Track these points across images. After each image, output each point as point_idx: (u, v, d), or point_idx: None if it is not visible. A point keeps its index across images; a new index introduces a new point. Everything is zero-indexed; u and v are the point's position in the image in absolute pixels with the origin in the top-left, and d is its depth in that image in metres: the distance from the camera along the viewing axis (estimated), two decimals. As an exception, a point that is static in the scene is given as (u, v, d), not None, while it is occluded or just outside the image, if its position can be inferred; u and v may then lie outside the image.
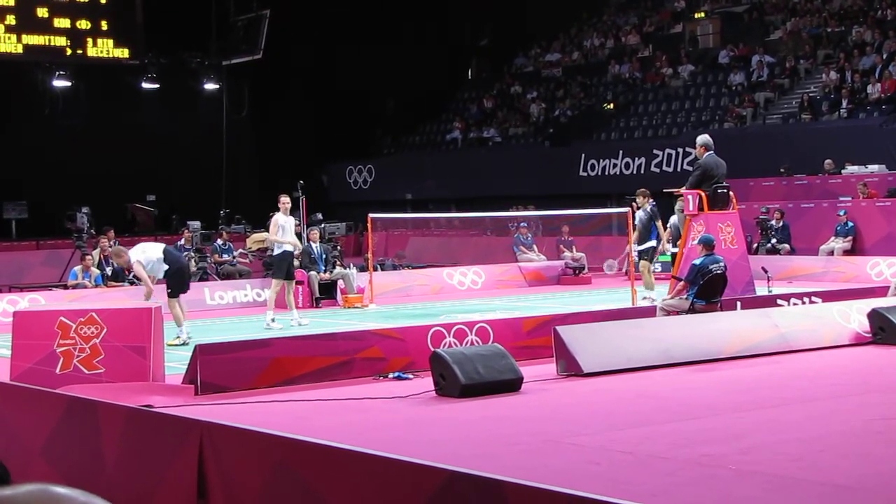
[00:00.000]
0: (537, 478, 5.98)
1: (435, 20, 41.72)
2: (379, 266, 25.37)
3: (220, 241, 25.70)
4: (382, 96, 43.63)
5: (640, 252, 20.18)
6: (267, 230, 19.73)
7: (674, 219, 20.12)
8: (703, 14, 38.94)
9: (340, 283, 21.91)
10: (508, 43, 44.05)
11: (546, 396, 11.17)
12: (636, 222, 20.13)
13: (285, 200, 18.60)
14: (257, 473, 6.58)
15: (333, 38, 40.07)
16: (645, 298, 18.81)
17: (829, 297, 16.04)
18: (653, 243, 20.37)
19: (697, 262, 14.65)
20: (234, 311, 21.35)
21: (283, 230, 18.30)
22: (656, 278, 20.51)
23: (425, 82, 42.56)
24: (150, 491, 7.18)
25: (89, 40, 34.09)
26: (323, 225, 24.35)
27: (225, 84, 38.23)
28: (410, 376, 12.26)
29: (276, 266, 18.61)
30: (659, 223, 20.44)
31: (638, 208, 20.38)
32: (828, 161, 28.28)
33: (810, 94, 31.56)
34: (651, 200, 20.64)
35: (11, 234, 35.31)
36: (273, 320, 17.93)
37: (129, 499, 7.34)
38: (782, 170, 29.05)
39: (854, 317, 14.15)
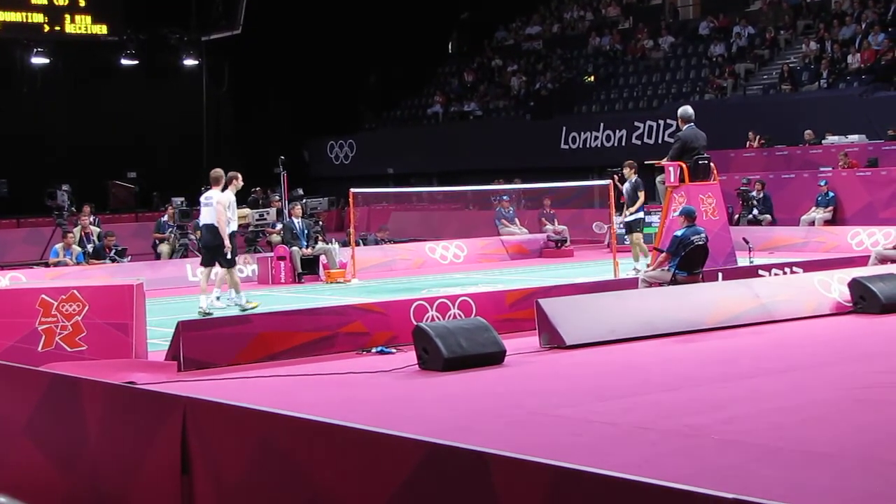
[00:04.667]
0: (521, 450, 5.99)
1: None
2: (361, 241, 25.34)
3: (201, 218, 25.65)
4: (363, 71, 43.48)
5: (628, 223, 20.20)
6: (250, 207, 19.43)
7: (626, 187, 20.20)
8: (683, -15, 38.88)
9: (322, 258, 21.88)
10: (488, 16, 43.92)
11: (529, 369, 11.20)
12: (624, 194, 20.17)
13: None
14: (241, 449, 6.57)
15: (314, 12, 39.89)
16: (634, 269, 18.85)
17: (809, 267, 16.10)
18: (640, 214, 20.42)
19: (679, 233, 14.67)
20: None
21: (232, 209, 17.85)
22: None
23: (406, 57, 42.43)
24: (134, 467, 7.17)
25: (67, 17, 33.91)
26: (304, 200, 24.29)
27: (205, 60, 38.06)
28: (393, 350, 12.28)
29: (234, 247, 17.65)
30: (641, 193, 20.45)
31: (624, 180, 20.39)
32: (808, 131, 28.35)
33: (790, 65, 31.57)
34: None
35: (-8, 213, 35.18)
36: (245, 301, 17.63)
37: (112, 475, 7.34)
38: (763, 141, 29.08)
39: (835, 286, 14.21)
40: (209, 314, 15.79)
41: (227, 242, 16.52)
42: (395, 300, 13.97)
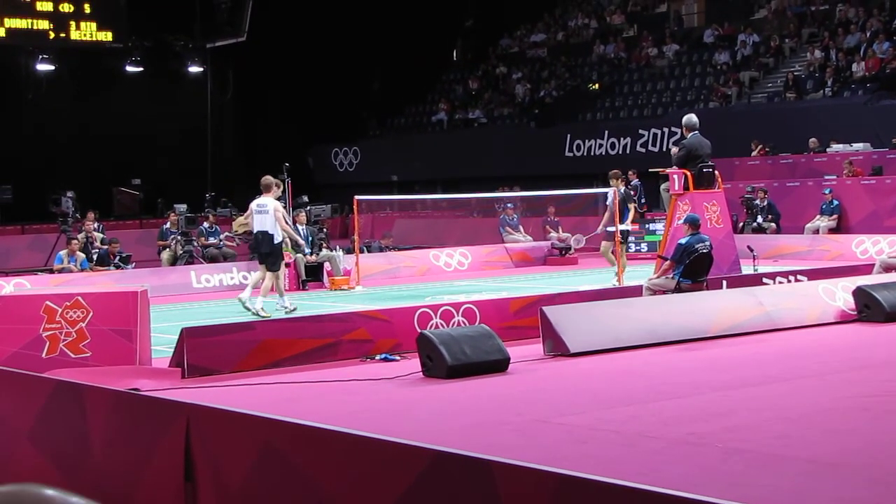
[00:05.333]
0: (525, 457, 5.99)
1: (420, 1, 41.59)
2: (365, 248, 25.34)
3: (206, 224, 25.65)
4: (368, 78, 43.52)
5: (609, 233, 19.97)
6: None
7: (610, 196, 19.95)
8: (687, -7, 38.93)
9: (327, 265, 21.88)
10: (493, 24, 43.98)
11: (533, 376, 11.18)
12: (607, 203, 19.99)
13: None
14: (244, 455, 6.58)
15: (318, 19, 39.94)
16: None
17: (814, 275, 16.08)
18: (623, 226, 20.09)
19: (683, 241, 14.67)
20: (220, 294, 21.31)
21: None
22: (642, 258, 20.47)
23: (410, 64, 42.48)
24: (137, 474, 7.18)
25: (72, 24, 33.97)
26: (309, 207, 24.28)
27: (209, 67, 38.10)
28: (397, 358, 12.26)
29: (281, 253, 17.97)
30: (632, 206, 20.27)
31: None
32: (813, 140, 28.33)
33: (795, 73, 31.58)
34: (634, 179, 20.56)
35: (-4, 219, 35.20)
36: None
37: (115, 482, 7.34)
38: (766, 149, 29.07)
39: (839, 295, 14.18)
40: (292, 309, 16.83)
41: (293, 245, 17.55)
42: (399, 307, 13.96)
